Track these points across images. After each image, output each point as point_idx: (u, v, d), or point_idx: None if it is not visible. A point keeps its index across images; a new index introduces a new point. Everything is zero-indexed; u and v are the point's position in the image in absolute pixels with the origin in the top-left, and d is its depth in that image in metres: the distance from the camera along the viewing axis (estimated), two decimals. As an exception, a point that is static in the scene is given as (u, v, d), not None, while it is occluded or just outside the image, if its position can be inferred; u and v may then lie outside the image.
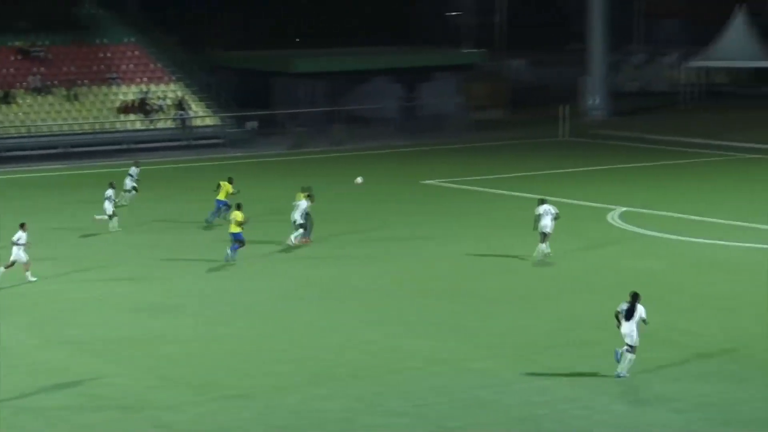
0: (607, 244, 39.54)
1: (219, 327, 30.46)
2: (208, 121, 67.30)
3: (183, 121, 66.24)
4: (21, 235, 34.55)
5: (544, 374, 26.44)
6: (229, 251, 37.27)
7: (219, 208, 42.31)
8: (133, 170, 47.18)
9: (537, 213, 37.06)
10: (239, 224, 37.07)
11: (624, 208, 45.40)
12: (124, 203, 45.88)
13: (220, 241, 39.62)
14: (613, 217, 43.99)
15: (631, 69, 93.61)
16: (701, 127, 70.64)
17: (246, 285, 34.85)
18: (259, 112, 68.77)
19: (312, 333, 29.84)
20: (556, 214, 37.06)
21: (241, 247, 37.13)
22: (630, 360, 26.16)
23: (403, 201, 48.36)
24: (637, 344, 26.12)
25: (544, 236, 37.01)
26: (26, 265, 34.69)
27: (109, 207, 41.76)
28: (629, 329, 26.13)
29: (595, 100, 77.55)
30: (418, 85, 76.09)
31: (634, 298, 26.31)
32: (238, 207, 37.87)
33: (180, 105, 66.87)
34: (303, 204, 39.41)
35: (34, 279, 34.79)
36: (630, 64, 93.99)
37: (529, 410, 24.42)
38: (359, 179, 43.14)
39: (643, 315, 26.23)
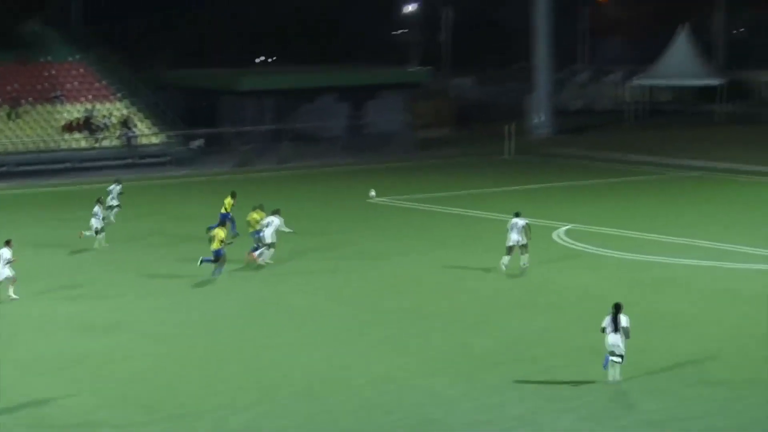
0: (552, 262, 39.75)
1: (167, 346, 30.32)
2: (154, 140, 67.06)
3: (128, 139, 65.97)
4: (5, 252, 34.56)
5: (490, 392, 26.53)
6: (209, 267, 37.56)
7: (232, 223, 42.66)
8: (114, 187, 47.17)
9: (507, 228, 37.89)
10: (221, 242, 37.33)
11: (569, 226, 45.67)
12: (111, 220, 45.96)
13: (174, 260, 39.57)
14: (559, 234, 44.25)
15: (576, 87, 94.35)
16: (645, 144, 71.28)
17: (196, 303, 34.73)
18: (206, 130, 68.61)
19: (260, 351, 29.77)
20: (524, 225, 37.59)
21: (215, 261, 37.45)
22: (618, 367, 26.85)
23: (350, 219, 48.40)
24: (624, 353, 26.73)
25: (510, 249, 37.59)
26: (11, 282, 34.73)
27: (95, 222, 41.94)
28: (614, 340, 26.84)
29: (540, 118, 78.05)
30: (365, 103, 76.31)
31: (617, 309, 26.94)
32: (224, 225, 38.27)
33: (125, 123, 66.60)
34: (277, 222, 39.25)
35: (16, 297, 34.72)
36: (575, 82, 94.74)
37: (475, 428, 24.47)
38: (372, 192, 43.29)
39: (624, 325, 26.85)
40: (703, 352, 29.18)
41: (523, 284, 36.77)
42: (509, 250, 37.65)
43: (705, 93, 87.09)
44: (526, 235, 37.61)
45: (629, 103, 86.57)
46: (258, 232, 39.27)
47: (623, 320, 26.90)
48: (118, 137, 65.98)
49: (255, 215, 39.73)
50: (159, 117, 67.92)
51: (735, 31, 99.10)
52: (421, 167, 64.32)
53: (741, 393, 26.27)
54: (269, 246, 39.06)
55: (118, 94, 68.90)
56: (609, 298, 34.75)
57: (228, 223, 42.27)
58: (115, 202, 46.53)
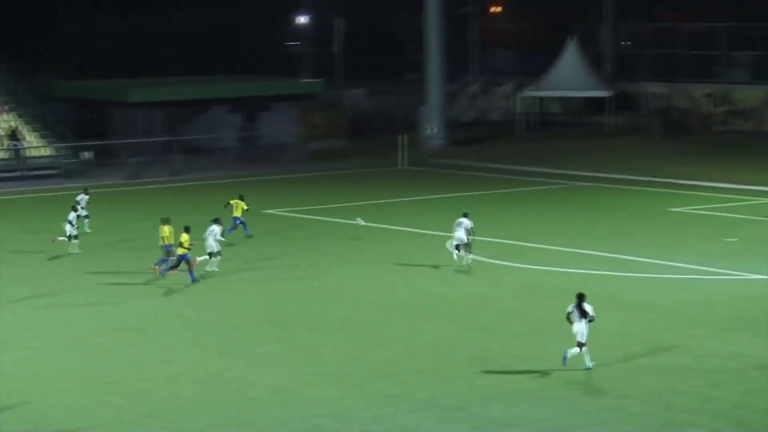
0: (447, 272, 39.96)
1: (54, 360, 29.91)
2: (43, 152, 66.09)
3: (17, 151, 64.96)
4: None
5: (384, 402, 26.57)
6: (164, 270, 38.54)
7: (236, 225, 45.12)
8: (82, 197, 47.13)
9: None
10: (184, 246, 37.93)
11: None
12: (88, 230, 46.39)
13: (71, 275, 39.22)
14: (451, 244, 44.47)
15: (468, 99, 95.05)
16: (535, 155, 72.04)
17: (88, 317, 34.30)
18: (95, 143, 67.81)
19: (150, 364, 29.48)
20: (470, 226, 40.28)
21: (182, 264, 38.29)
22: (585, 352, 28.65)
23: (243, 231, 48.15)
24: (586, 341, 28.48)
25: (458, 247, 40.21)
26: None
27: (70, 229, 42.66)
28: (580, 328, 28.63)
29: (432, 129, 78.48)
30: (257, 114, 76.01)
31: (580, 298, 28.76)
32: (186, 230, 38.36)
33: (13, 135, 65.56)
34: (217, 230, 39.97)
35: None
36: (466, 94, 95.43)
37: (371, 438, 24.51)
38: (360, 220, 46.00)
39: (591, 313, 28.69)
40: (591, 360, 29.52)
41: (414, 295, 36.93)
42: (458, 247, 39.85)
43: (592, 104, 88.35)
44: (471, 234, 39.87)
45: (520, 115, 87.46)
46: (169, 245, 39.34)
47: (588, 309, 28.62)
48: (6, 149, 64.94)
49: (166, 229, 39.56)
50: (48, 129, 66.98)
51: (622, 43, 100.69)
52: (316, 179, 64.25)
53: (625, 402, 26.64)
54: (216, 254, 39.85)
55: (6, 106, 67.81)
56: (500, 307, 35.17)
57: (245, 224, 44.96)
58: (84, 212, 46.52)
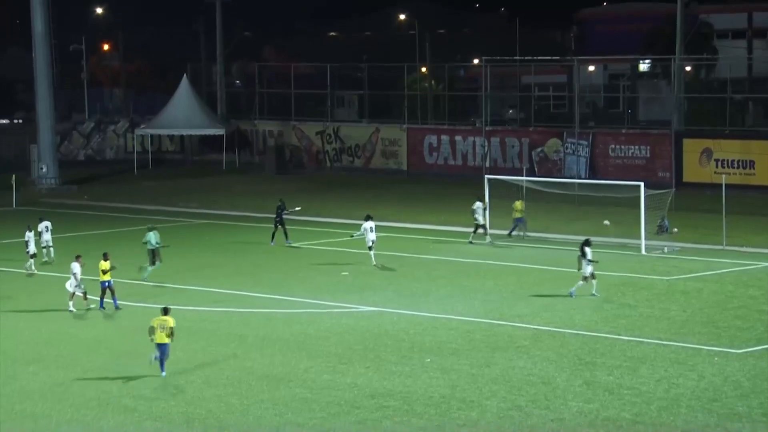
0: (61, 314, 39.12)
1: None
2: None
3: None
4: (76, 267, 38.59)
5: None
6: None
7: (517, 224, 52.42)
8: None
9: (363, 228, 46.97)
10: (105, 272, 38.88)
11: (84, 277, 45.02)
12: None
13: None
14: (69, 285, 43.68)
15: (81, 137, 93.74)
16: (151, 193, 71.79)
17: None
18: None
19: None
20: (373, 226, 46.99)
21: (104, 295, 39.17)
22: (594, 284, 39.36)
23: None
24: (591, 274, 39.15)
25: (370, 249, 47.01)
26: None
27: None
28: (585, 266, 38.78)
29: (44, 168, 76.96)
30: None
31: (585, 243, 39.12)
32: (105, 257, 38.66)
33: None
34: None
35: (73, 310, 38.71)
36: (80, 132, 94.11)
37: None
38: (606, 222, 50.70)
39: (589, 256, 38.81)
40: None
41: (25, 338, 35.98)
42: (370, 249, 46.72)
43: (210, 142, 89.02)
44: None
45: (135, 153, 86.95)
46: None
47: (587, 252, 38.72)
48: None
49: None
50: None
51: (236, 82, 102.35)
52: None
53: None
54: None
55: None
56: (116, 347, 34.77)
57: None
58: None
